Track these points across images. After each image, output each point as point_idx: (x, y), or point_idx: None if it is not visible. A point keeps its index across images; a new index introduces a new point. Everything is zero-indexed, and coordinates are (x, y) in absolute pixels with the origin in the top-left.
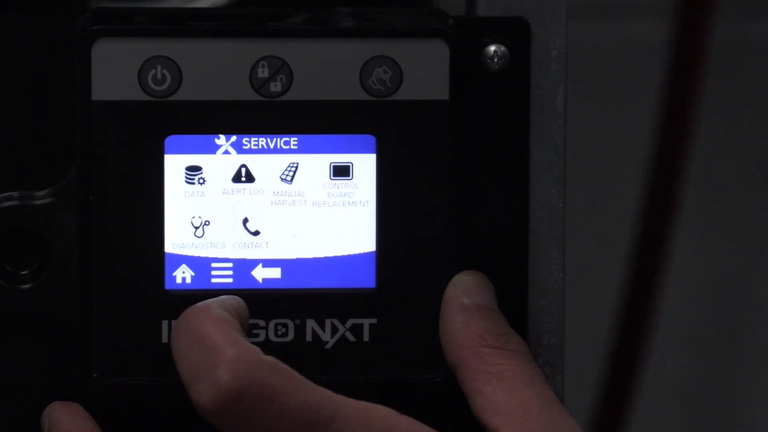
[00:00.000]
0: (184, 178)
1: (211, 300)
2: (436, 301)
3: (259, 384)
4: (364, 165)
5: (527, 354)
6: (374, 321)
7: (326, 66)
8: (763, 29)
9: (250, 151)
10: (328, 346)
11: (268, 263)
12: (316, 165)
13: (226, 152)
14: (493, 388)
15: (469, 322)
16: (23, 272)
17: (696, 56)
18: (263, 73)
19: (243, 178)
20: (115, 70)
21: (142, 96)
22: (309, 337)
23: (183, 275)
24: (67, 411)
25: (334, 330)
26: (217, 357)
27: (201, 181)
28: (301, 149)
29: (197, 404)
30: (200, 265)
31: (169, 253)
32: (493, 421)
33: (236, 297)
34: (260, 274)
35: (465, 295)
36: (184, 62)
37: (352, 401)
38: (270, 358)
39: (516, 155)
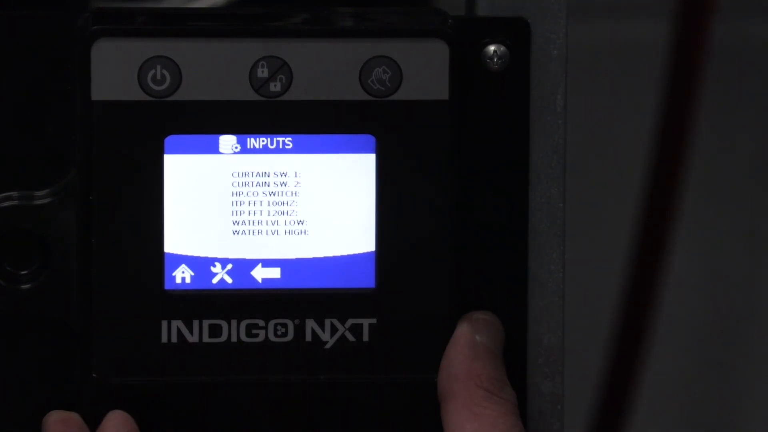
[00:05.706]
0: (185, 178)
1: None
2: (436, 301)
3: None
4: (364, 165)
5: (515, 406)
6: (374, 321)
7: (326, 66)
8: (763, 29)
9: (250, 151)
10: (328, 346)
11: (267, 263)
12: (315, 165)
13: (226, 152)
14: (472, 427)
15: (472, 359)
16: (23, 272)
17: (696, 56)
18: (263, 73)
19: (243, 178)
20: (115, 70)
21: (141, 96)
22: (308, 337)
23: (183, 275)
24: (62, 418)
25: (334, 330)
26: None
27: (201, 181)
28: (301, 149)
29: None
30: (200, 264)
31: (168, 253)
32: None
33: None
34: (260, 274)
35: (477, 332)
36: (184, 62)
37: None
38: None
39: (516, 155)
